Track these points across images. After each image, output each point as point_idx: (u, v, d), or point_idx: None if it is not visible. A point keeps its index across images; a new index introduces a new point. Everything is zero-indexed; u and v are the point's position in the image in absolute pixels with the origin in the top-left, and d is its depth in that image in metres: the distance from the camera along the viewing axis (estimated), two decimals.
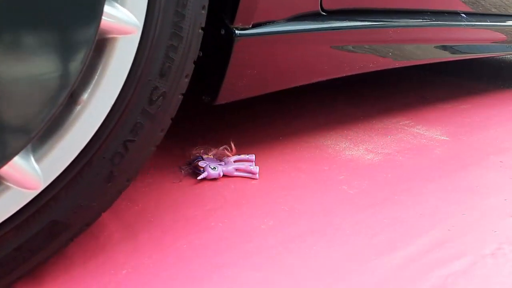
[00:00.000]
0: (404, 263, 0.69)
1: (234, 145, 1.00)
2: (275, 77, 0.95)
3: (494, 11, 1.44)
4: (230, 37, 0.79)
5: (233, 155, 0.99)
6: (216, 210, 0.81)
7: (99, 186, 0.60)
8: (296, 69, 0.97)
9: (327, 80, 1.06)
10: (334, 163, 1.04)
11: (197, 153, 0.97)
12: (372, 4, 1.06)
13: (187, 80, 0.65)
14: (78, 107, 0.54)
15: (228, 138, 1.02)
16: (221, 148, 1.00)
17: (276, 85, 0.96)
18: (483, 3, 1.38)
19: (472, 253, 0.72)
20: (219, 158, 0.98)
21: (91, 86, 0.54)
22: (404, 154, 1.12)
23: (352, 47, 1.04)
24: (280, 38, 0.87)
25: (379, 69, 1.13)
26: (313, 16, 0.92)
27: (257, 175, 0.94)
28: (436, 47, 1.29)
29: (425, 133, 1.28)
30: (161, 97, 0.62)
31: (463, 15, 1.30)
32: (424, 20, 1.18)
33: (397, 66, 1.18)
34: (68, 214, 0.58)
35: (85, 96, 0.54)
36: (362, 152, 1.12)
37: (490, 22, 1.42)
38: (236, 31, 0.79)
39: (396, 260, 0.69)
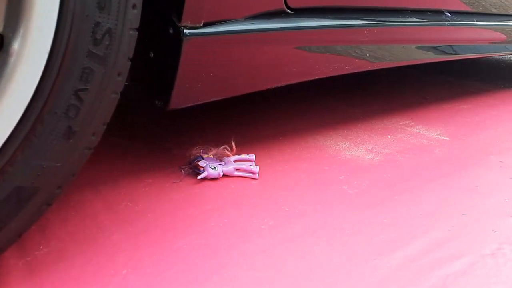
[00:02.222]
0: (404, 263, 0.69)
1: (235, 145, 1.00)
2: (236, 80, 0.88)
3: (481, 10, 1.39)
4: (178, 37, 0.73)
5: (233, 154, 0.99)
6: (216, 210, 0.81)
7: (59, 144, 0.56)
8: (259, 72, 0.91)
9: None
10: (334, 163, 1.04)
11: (197, 153, 0.97)
12: (345, 2, 1.00)
13: (135, 11, 0.58)
14: (12, 59, 0.50)
15: (228, 138, 1.02)
16: (221, 148, 1.00)
17: (237, 89, 0.90)
18: (470, 1, 1.32)
19: (472, 253, 0.72)
20: (219, 158, 0.98)
21: (20, 32, 0.50)
22: (404, 154, 1.12)
23: (324, 48, 0.98)
24: (238, 38, 0.81)
25: (356, 71, 1.08)
26: (277, 15, 0.85)
27: (257, 175, 0.94)
28: (418, 47, 1.23)
29: (425, 133, 1.28)
30: (107, 35, 0.55)
31: (447, 14, 1.25)
32: (404, 20, 1.12)
33: (376, 68, 1.13)
34: (32, 178, 0.55)
35: (15, 45, 0.50)
36: (362, 152, 1.12)
37: (477, 21, 1.37)
38: (185, 30, 0.72)
39: (396, 260, 0.69)
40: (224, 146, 1.00)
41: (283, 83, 0.96)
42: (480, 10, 1.38)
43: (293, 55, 0.92)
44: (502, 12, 1.48)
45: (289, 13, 0.87)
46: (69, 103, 0.54)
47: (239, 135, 1.10)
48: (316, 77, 1.00)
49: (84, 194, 0.84)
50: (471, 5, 1.34)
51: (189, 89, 0.80)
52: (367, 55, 1.07)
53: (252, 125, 1.26)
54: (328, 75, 1.03)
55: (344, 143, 1.17)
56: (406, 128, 1.32)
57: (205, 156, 0.96)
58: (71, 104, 0.55)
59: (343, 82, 1.87)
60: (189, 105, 0.84)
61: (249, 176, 0.94)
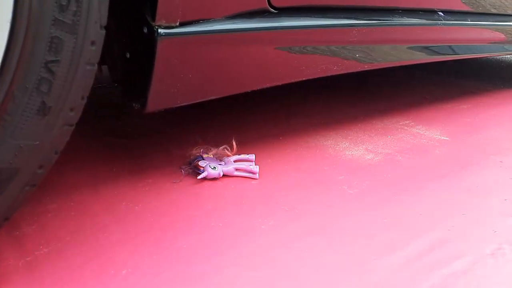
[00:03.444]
0: (404, 263, 0.69)
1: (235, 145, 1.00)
2: (217, 82, 0.85)
3: (476, 9, 1.35)
4: (153, 37, 0.69)
5: (233, 154, 0.99)
6: (216, 210, 0.81)
7: (35, 121, 0.53)
8: (242, 73, 0.87)
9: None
10: (334, 163, 1.04)
11: (197, 153, 0.97)
12: (333, 1, 0.96)
13: None
14: None
15: (228, 138, 1.02)
16: (221, 148, 1.00)
17: (219, 91, 0.87)
18: (465, 0, 1.30)
19: (472, 253, 0.72)
20: (219, 158, 0.98)
21: None
22: (404, 154, 1.12)
23: (310, 49, 0.94)
24: (218, 38, 0.78)
25: (346, 72, 1.05)
26: (260, 14, 0.83)
27: (257, 174, 0.94)
28: (410, 48, 1.20)
29: (425, 133, 1.28)
30: (73, 0, 0.51)
31: (440, 13, 1.21)
32: (394, 19, 1.09)
33: (366, 69, 1.10)
34: (9, 158, 0.53)
35: None
36: (362, 152, 1.12)
37: (471, 21, 1.33)
38: (159, 30, 0.69)
39: (396, 260, 0.69)
40: (224, 146, 1.00)
41: (268, 85, 0.93)
42: (475, 9, 1.36)
43: (277, 56, 0.90)
44: (501, 12, 1.47)
45: (272, 13, 0.84)
46: (40, 76, 0.51)
47: (239, 135, 1.10)
48: (304, 79, 0.98)
49: (84, 194, 0.84)
50: (467, 5, 1.32)
51: (167, 91, 0.77)
52: (357, 55, 1.05)
53: (252, 125, 1.26)
54: (316, 76, 1.00)
55: (344, 143, 1.17)
56: (406, 128, 1.32)
57: (205, 156, 0.96)
58: (42, 77, 0.52)
59: (343, 82, 1.87)
60: (168, 107, 0.81)
61: (249, 176, 0.94)
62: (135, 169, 0.96)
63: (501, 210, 0.87)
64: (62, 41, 0.52)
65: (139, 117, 1.27)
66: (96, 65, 0.58)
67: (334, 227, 0.78)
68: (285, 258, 0.69)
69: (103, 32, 0.57)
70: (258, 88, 0.91)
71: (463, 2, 1.31)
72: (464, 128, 1.35)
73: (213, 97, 0.86)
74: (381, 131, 1.28)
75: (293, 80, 0.96)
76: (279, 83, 0.94)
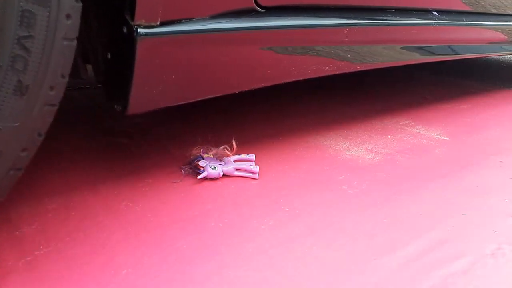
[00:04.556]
0: (404, 263, 0.69)
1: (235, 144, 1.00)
2: (201, 84, 0.82)
3: (469, 9, 1.33)
4: (132, 37, 0.67)
5: (233, 154, 0.99)
6: (216, 210, 0.81)
7: (12, 102, 0.51)
8: (228, 74, 0.85)
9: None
10: (334, 163, 1.04)
11: (197, 152, 0.97)
12: (322, 1, 0.94)
13: None
14: None
15: (228, 138, 1.02)
16: (221, 147, 1.00)
17: (204, 92, 0.84)
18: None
19: (472, 253, 0.72)
20: (219, 158, 0.98)
21: None
22: (404, 154, 1.12)
23: (300, 49, 0.92)
24: (201, 38, 0.75)
25: (337, 72, 1.03)
26: (246, 13, 0.80)
27: (257, 174, 0.94)
28: (403, 48, 1.18)
29: (425, 133, 1.28)
30: None
31: (434, 13, 1.19)
32: (387, 19, 1.07)
33: (358, 70, 1.09)
34: None
35: None
36: (362, 152, 1.12)
37: (466, 20, 1.31)
38: (139, 30, 0.66)
39: (396, 260, 0.69)
40: (224, 146, 1.00)
41: (256, 86, 0.90)
42: (474, 9, 1.35)
43: (265, 57, 0.87)
44: (501, 12, 1.47)
45: (260, 12, 0.82)
46: (13, 53, 0.49)
47: (239, 135, 1.10)
48: (294, 79, 0.96)
49: (84, 194, 0.84)
50: (467, 5, 1.31)
51: (148, 92, 0.74)
52: (348, 56, 1.03)
53: (252, 125, 1.26)
54: (307, 77, 0.98)
55: (344, 143, 1.17)
56: (406, 128, 1.32)
57: (205, 156, 0.96)
58: (17, 54, 0.49)
59: (343, 82, 1.87)
60: (150, 109, 0.78)
61: (249, 176, 0.94)
62: (135, 169, 0.96)
63: (501, 210, 0.87)
64: (34, 15, 0.49)
65: (139, 117, 1.27)
66: (75, 40, 0.54)
67: (334, 227, 0.78)
68: (285, 258, 0.69)
69: (79, 5, 0.54)
70: (246, 90, 0.89)
71: (463, 2, 1.31)
72: (464, 128, 1.36)
73: (198, 99, 0.84)
74: (381, 131, 1.28)
75: (282, 81, 0.94)
76: (268, 84, 0.92)
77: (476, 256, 0.72)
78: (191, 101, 0.83)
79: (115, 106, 0.77)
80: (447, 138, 1.25)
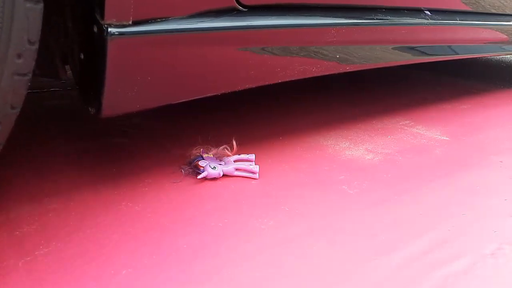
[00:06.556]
0: (404, 263, 0.69)
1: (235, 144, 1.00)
2: (181, 85, 0.79)
3: (464, 8, 1.30)
4: (103, 37, 0.64)
5: (233, 154, 0.99)
6: (216, 210, 0.81)
7: None
8: (208, 76, 0.82)
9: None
10: (334, 163, 1.04)
11: (197, 152, 0.97)
12: (308, 0, 0.90)
13: None
14: None
15: (228, 138, 1.02)
16: (221, 147, 0.99)
17: (183, 95, 0.81)
18: None
19: (472, 253, 0.72)
20: (219, 158, 0.98)
21: None
22: (404, 154, 1.12)
23: (284, 50, 0.89)
24: (177, 38, 0.72)
25: (326, 73, 1.01)
26: (227, 12, 0.77)
27: (257, 174, 0.94)
28: (394, 48, 1.15)
29: (425, 133, 1.28)
30: None
31: (427, 12, 1.16)
32: (376, 19, 1.04)
33: (347, 70, 1.06)
34: None
35: None
36: (362, 152, 1.12)
37: (460, 20, 1.29)
38: (109, 29, 0.63)
39: (396, 260, 0.69)
40: (224, 146, 1.00)
41: (240, 88, 0.87)
42: (463, 8, 1.32)
43: (248, 57, 0.84)
44: (499, 12, 1.47)
45: (241, 11, 0.79)
46: None
47: (239, 135, 1.10)
48: (280, 81, 0.93)
49: (84, 194, 0.84)
50: (466, 5, 1.30)
51: (123, 94, 0.71)
52: (337, 56, 1.00)
53: (252, 125, 1.26)
54: (294, 78, 0.96)
55: (344, 143, 1.17)
56: (406, 128, 1.32)
57: (205, 156, 0.96)
58: None
59: (343, 82, 1.87)
60: (125, 112, 0.75)
61: (249, 176, 0.94)
62: (135, 169, 0.96)
63: (501, 210, 0.87)
64: None
65: (139, 117, 1.27)
66: (41, 3, 0.50)
67: (334, 227, 0.78)
68: (285, 258, 0.69)
69: None
70: (229, 91, 0.87)
71: (463, 2, 1.30)
72: (464, 128, 1.36)
73: (178, 101, 0.81)
74: (381, 131, 1.28)
75: (267, 83, 0.92)
76: (252, 86, 0.90)
77: (476, 256, 0.72)
78: (171, 103, 0.80)
79: (89, 109, 0.74)
80: (447, 138, 1.25)
